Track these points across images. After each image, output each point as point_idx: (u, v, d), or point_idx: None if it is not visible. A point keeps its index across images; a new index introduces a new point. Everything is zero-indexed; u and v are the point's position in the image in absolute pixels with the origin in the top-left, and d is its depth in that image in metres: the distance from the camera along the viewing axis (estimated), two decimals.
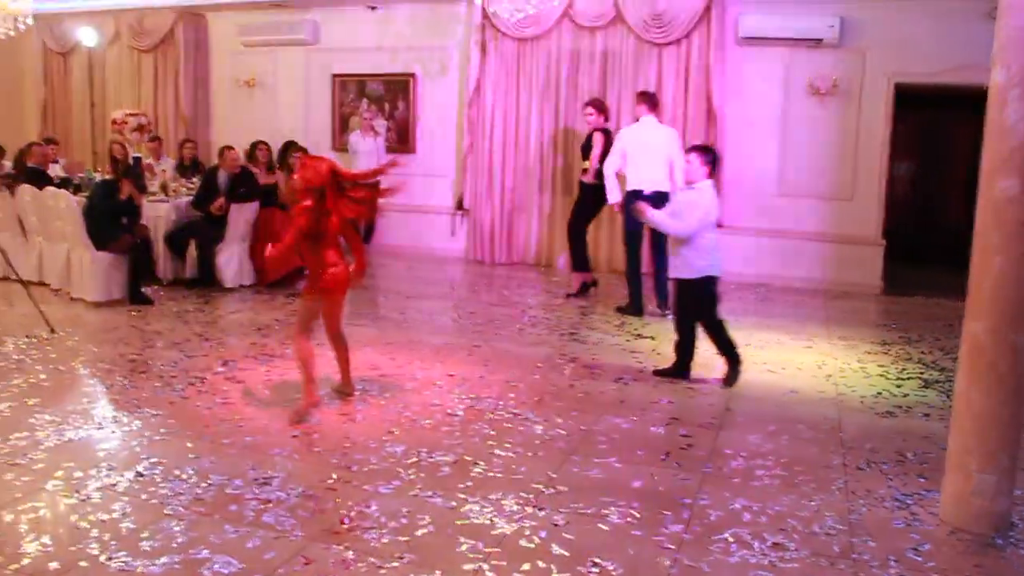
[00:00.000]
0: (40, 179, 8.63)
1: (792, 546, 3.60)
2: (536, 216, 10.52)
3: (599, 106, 8.32)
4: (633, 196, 7.55)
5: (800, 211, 9.59)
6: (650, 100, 7.92)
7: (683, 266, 5.74)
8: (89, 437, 4.62)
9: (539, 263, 10.47)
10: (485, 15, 10.39)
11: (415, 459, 4.40)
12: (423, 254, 11.03)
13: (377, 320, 7.54)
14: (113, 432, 4.69)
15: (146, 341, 6.61)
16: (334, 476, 4.17)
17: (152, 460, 4.30)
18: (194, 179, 9.97)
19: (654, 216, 5.88)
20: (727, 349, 5.85)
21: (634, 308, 7.88)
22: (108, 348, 6.39)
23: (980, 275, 3.73)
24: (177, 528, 3.58)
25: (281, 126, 11.85)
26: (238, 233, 8.58)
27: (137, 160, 9.22)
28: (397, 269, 10.10)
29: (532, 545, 3.55)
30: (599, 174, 8.00)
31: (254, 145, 9.41)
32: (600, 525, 3.74)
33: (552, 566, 3.38)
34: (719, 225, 9.52)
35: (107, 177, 8.52)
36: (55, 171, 9.75)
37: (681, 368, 5.94)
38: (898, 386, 5.94)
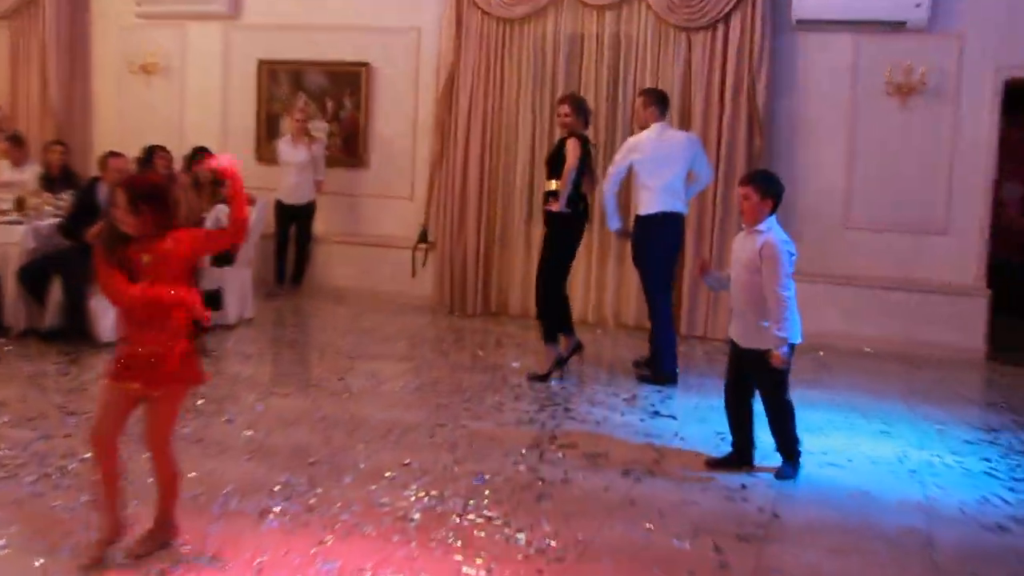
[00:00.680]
0: None
1: None
2: (523, 252, 10.50)
3: (577, 104, 7.97)
4: (654, 222, 7.91)
5: (874, 248, 9.61)
6: (664, 102, 8.13)
7: (766, 332, 5.72)
8: None
9: (526, 314, 10.41)
10: None
11: None
12: (374, 299, 11.00)
13: (307, 388, 7.48)
14: None
15: None
16: None
17: None
18: (64, 194, 9.88)
19: (783, 334, 5.73)
20: (791, 438, 5.94)
21: (665, 371, 7.95)
22: None
23: None
24: None
25: (188, 127, 11.84)
26: None
27: None
28: (338, 318, 10.05)
29: None
30: (576, 199, 7.77)
31: (150, 151, 9.38)
32: None
33: None
34: None
35: None
36: None
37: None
38: (1011, 488, 5.88)
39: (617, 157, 8.07)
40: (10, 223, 8.80)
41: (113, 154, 8.84)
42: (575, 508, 5.25)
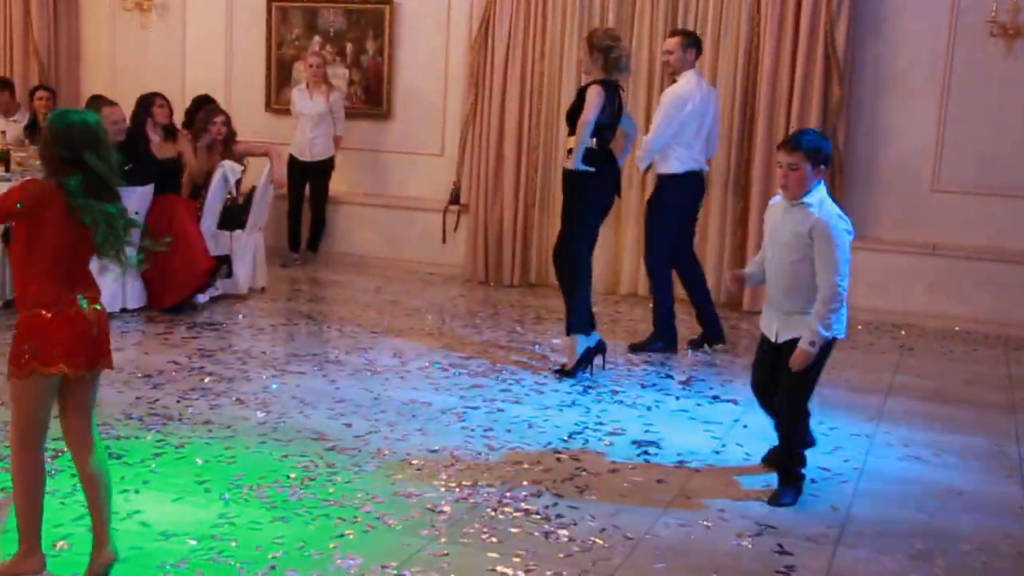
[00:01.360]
0: None
1: None
2: None
3: (590, 44, 7.56)
4: (684, 181, 8.25)
5: (969, 215, 9.54)
6: (701, 47, 8.43)
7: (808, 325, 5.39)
8: None
9: None
10: None
11: None
12: (400, 268, 11.04)
13: (326, 366, 7.54)
14: None
15: None
16: None
17: None
18: None
19: (829, 332, 5.40)
20: (797, 452, 5.57)
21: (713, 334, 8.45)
22: None
23: None
24: None
25: (190, 73, 11.91)
26: None
27: None
28: (360, 289, 10.11)
29: None
30: (597, 155, 7.38)
31: (147, 99, 9.43)
32: None
33: None
34: None
35: None
36: None
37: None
38: None
39: (672, 111, 8.06)
40: None
41: (105, 103, 8.91)
42: (623, 502, 5.30)
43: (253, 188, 9.83)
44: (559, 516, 5.10)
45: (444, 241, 11.03)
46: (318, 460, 5.68)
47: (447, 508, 5.12)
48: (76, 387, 4.19)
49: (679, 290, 8.53)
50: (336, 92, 11.04)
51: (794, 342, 5.33)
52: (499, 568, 4.51)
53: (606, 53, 7.40)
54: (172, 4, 12.12)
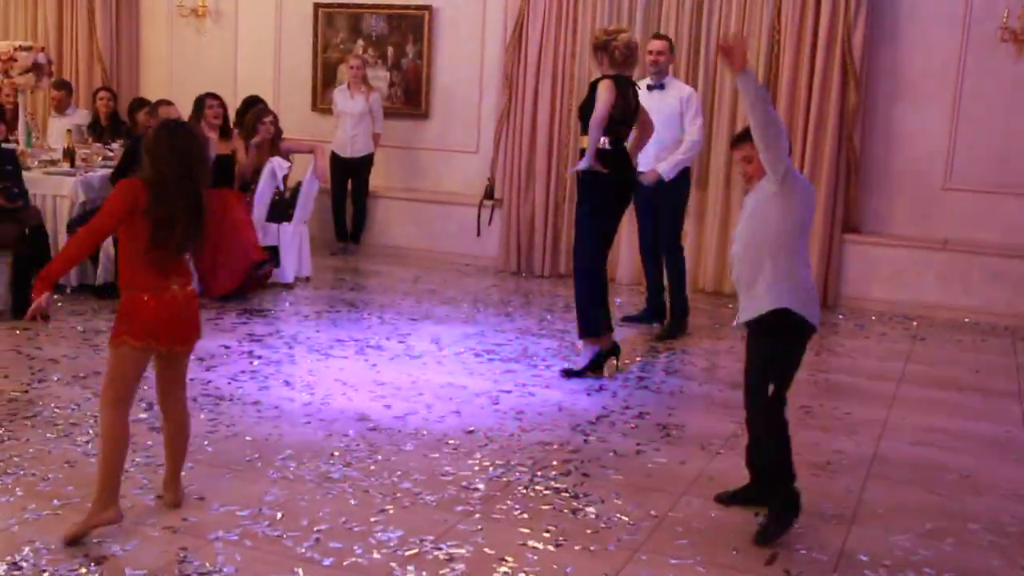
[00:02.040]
0: None
1: None
2: None
3: (599, 42, 7.12)
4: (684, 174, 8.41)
5: (979, 211, 9.49)
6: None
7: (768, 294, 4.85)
8: None
9: None
10: None
11: (415, 551, 4.38)
12: (437, 259, 11.04)
13: (367, 351, 7.55)
14: None
15: (36, 373, 6.66)
16: (300, 573, 4.15)
17: (36, 546, 4.29)
18: (113, 144, 10.06)
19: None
20: (778, 473, 4.91)
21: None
22: None
23: None
24: None
25: (241, 75, 11.96)
26: None
27: (11, 155, 9.17)
28: (399, 279, 10.11)
29: None
30: (609, 155, 6.95)
31: (202, 99, 9.47)
32: None
33: None
34: (854, 230, 9.64)
35: None
36: None
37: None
38: None
39: (698, 109, 8.28)
40: (61, 174, 8.96)
41: (163, 103, 8.96)
42: (648, 482, 5.29)
43: (299, 183, 9.86)
44: (587, 495, 5.09)
45: (479, 234, 11.03)
46: (360, 439, 5.70)
47: (481, 486, 5.13)
48: (169, 359, 4.56)
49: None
50: (375, 93, 11.07)
51: (755, 320, 4.83)
52: (530, 543, 4.51)
53: (605, 48, 7.00)
54: (225, 10, 12.17)
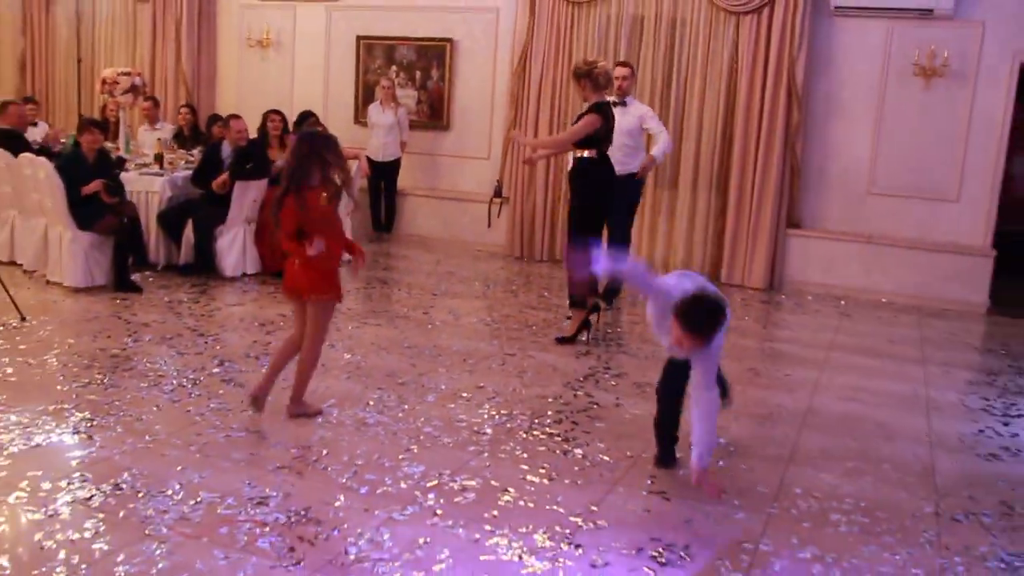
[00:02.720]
0: (16, 143, 8.65)
1: None
2: None
3: (582, 72, 7.06)
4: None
5: (894, 212, 9.49)
6: None
7: None
8: (61, 443, 4.66)
9: None
10: None
11: (435, 482, 4.41)
12: (454, 246, 11.06)
13: (396, 320, 7.55)
14: (89, 438, 4.74)
15: (131, 334, 6.68)
16: (341, 498, 4.18)
17: (133, 472, 4.33)
18: (195, 151, 10.09)
19: None
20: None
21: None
22: (87, 341, 6.47)
23: None
24: (159, 552, 3.61)
25: (297, 94, 11.96)
26: (242, 215, 8.65)
27: (120, 160, 9.28)
28: (424, 262, 10.11)
29: None
30: (596, 161, 7.05)
31: (265, 115, 9.48)
32: (646, 569, 3.71)
33: None
34: (796, 225, 9.63)
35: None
36: (33, 135, 9.85)
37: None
38: (1005, 424, 5.84)
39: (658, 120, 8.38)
40: (152, 175, 8.98)
41: (233, 117, 9.00)
42: (625, 429, 5.31)
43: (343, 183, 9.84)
44: (575, 439, 5.11)
45: (489, 226, 11.01)
46: (390, 391, 5.72)
47: (489, 431, 5.15)
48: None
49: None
50: (402, 108, 11.08)
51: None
52: (528, 477, 4.53)
53: (589, 75, 6.97)
54: (285, 41, 12.15)
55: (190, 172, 9.00)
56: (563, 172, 10.34)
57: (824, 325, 8.24)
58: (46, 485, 4.15)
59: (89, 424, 4.91)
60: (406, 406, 5.48)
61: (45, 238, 8.20)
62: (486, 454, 4.81)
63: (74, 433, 4.79)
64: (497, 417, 5.37)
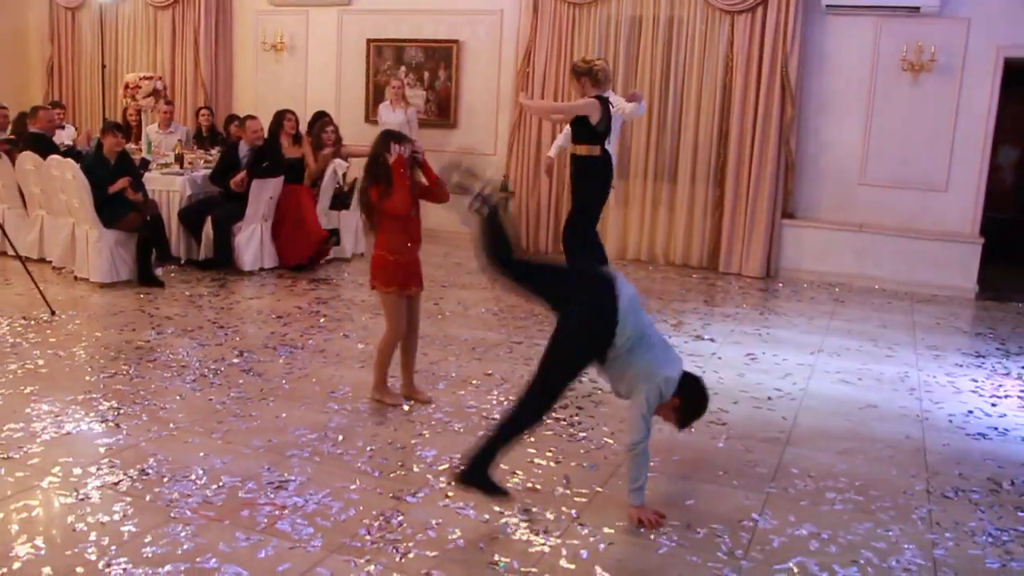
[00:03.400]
0: (44, 146, 8.69)
1: None
2: None
3: (582, 70, 7.45)
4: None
5: (885, 202, 9.47)
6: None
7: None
8: (90, 431, 4.68)
9: None
10: None
11: (446, 465, 4.41)
12: (463, 238, 10.99)
13: None
14: (116, 426, 4.76)
15: (155, 327, 6.70)
16: (357, 482, 4.18)
17: (158, 458, 4.35)
18: (213, 150, 10.09)
19: None
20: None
21: None
22: (113, 333, 6.49)
23: None
24: (183, 533, 3.62)
25: (310, 95, 11.95)
26: (259, 211, 8.66)
27: (144, 162, 9.30)
28: (434, 254, 10.10)
29: (573, 566, 3.53)
30: (598, 157, 7.40)
31: (280, 114, 9.48)
32: (649, 546, 3.71)
33: None
34: (791, 216, 9.61)
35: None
36: (61, 138, 9.88)
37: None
38: (993, 404, 5.83)
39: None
40: (172, 174, 8.99)
41: (249, 117, 8.99)
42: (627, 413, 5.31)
43: (355, 179, 9.85)
44: (580, 423, 5.12)
45: None
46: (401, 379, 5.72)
47: (497, 416, 5.14)
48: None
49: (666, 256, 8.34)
50: (412, 107, 11.03)
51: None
52: (535, 460, 4.54)
53: (589, 72, 7.26)
54: (298, 45, 12.13)
55: (208, 171, 9.01)
56: (567, 167, 10.35)
57: (819, 311, 8.23)
58: (77, 471, 4.17)
59: (116, 412, 4.93)
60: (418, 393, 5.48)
61: (72, 236, 8.23)
62: None
63: (102, 421, 4.80)
64: (505, 403, 5.35)
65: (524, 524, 3.84)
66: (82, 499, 3.89)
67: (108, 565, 3.37)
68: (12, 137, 9.29)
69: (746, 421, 5.29)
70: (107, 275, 7.88)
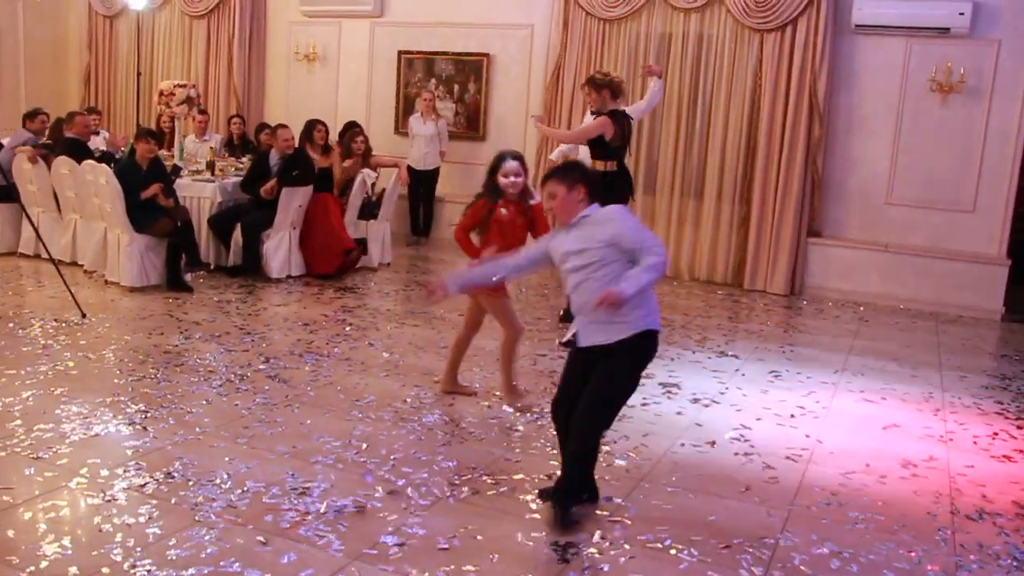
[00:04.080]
0: (79, 151, 8.78)
1: None
2: None
3: (602, 83, 7.33)
4: None
5: (912, 222, 9.39)
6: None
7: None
8: (118, 433, 4.71)
9: None
10: None
11: (469, 476, 4.40)
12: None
13: (433, 320, 7.56)
14: (144, 429, 4.78)
15: (183, 331, 6.73)
16: (380, 490, 4.18)
17: (184, 461, 4.36)
18: (244, 158, 10.15)
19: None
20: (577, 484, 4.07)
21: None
22: (142, 337, 6.53)
23: None
24: (207, 537, 3.63)
25: (341, 105, 12.01)
26: (288, 219, 8.70)
27: (176, 169, 9.37)
28: (459, 265, 10.06)
29: None
30: (616, 173, 7.25)
31: (311, 124, 9.53)
32: (670, 561, 3.68)
33: None
34: (817, 234, 9.55)
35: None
36: (96, 143, 9.97)
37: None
38: (1018, 426, 5.76)
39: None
40: (204, 181, 9.06)
41: (281, 126, 9.04)
42: (651, 427, 5.28)
43: (383, 189, 9.91)
44: (603, 436, 5.07)
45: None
46: (426, 389, 5.72)
47: (521, 427, 5.15)
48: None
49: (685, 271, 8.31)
50: (443, 120, 11.10)
51: (601, 347, 4.03)
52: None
53: (609, 85, 7.23)
54: (330, 56, 12.20)
55: (239, 179, 9.06)
56: None
57: (843, 330, 8.16)
58: (104, 472, 4.19)
59: (144, 416, 4.95)
60: (441, 403, 5.48)
61: (104, 240, 8.30)
62: (518, 449, 4.80)
63: (130, 424, 4.83)
64: (528, 415, 5.36)
65: (548, 536, 3.82)
66: (108, 500, 3.91)
67: (133, 567, 3.38)
68: (48, 142, 9.38)
69: (769, 438, 5.24)
70: (137, 279, 7.94)
